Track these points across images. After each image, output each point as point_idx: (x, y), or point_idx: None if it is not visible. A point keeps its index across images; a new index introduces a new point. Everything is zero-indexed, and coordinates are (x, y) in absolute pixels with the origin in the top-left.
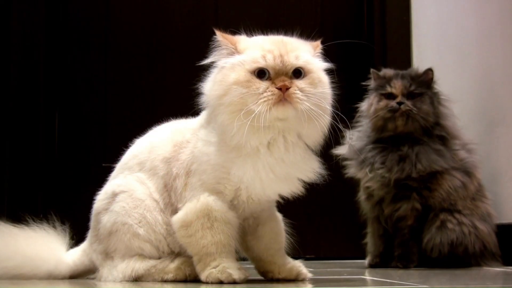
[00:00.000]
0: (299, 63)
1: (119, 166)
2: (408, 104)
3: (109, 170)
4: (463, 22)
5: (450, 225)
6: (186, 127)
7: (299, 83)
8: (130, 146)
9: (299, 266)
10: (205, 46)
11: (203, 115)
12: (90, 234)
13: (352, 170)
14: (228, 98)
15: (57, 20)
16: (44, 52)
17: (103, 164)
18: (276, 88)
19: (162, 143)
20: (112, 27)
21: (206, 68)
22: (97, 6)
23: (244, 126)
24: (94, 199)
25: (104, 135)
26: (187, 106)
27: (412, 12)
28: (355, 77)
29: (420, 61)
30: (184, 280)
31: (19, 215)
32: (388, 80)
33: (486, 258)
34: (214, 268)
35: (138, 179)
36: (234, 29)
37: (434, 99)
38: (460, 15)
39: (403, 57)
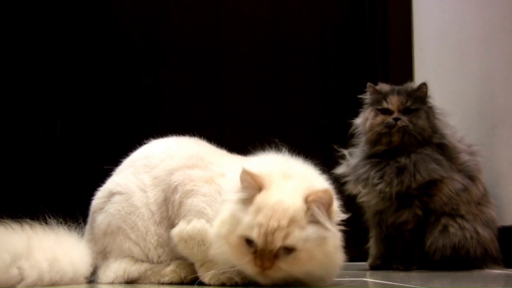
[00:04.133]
0: (285, 243)
1: (125, 162)
2: (405, 119)
3: (110, 172)
4: (464, 25)
5: (452, 230)
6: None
7: (282, 263)
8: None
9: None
10: (206, 47)
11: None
12: (86, 232)
13: (349, 187)
14: (217, 248)
15: (57, 23)
16: (45, 55)
17: (105, 166)
18: (256, 265)
19: (179, 157)
20: (112, 30)
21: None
22: (98, 9)
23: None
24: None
25: (105, 137)
26: (188, 107)
27: (413, 14)
28: (355, 87)
29: (421, 64)
30: (180, 283)
31: (20, 217)
32: (384, 96)
33: (488, 262)
34: (218, 270)
35: (140, 184)
36: (235, 30)
37: (430, 113)
38: (462, 18)
39: (404, 59)
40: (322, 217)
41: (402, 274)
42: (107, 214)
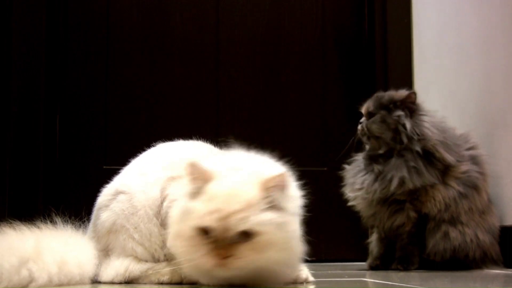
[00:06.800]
0: (244, 227)
1: (133, 163)
2: (364, 124)
3: (110, 173)
4: (464, 25)
5: (453, 235)
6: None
7: (242, 249)
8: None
9: (299, 270)
10: (206, 47)
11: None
12: (89, 229)
13: (345, 190)
14: (176, 246)
15: (57, 23)
16: (45, 54)
17: (104, 167)
18: (215, 254)
19: (179, 166)
20: (112, 30)
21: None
22: (98, 9)
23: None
24: (95, 201)
25: (105, 138)
26: (188, 108)
27: (413, 14)
28: (355, 87)
29: (421, 64)
30: (180, 283)
31: (20, 217)
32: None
33: (487, 264)
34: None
35: (143, 185)
36: (234, 35)
37: (388, 118)
38: (461, 19)
39: (403, 60)
40: (282, 202)
41: (401, 274)
42: (112, 212)
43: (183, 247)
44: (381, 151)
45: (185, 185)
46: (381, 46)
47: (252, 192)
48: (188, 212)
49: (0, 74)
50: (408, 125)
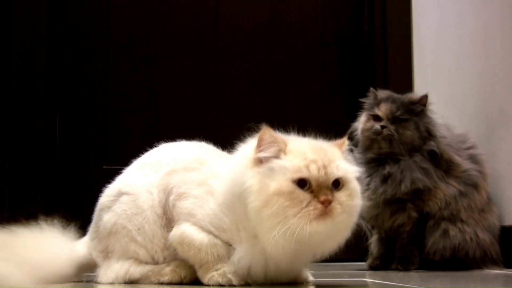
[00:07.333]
0: (339, 174)
1: (135, 163)
2: (391, 128)
3: (110, 172)
4: (464, 24)
5: (452, 233)
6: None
7: (339, 195)
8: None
9: (299, 269)
10: (206, 47)
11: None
12: (91, 229)
13: None
14: (269, 210)
15: (57, 22)
16: (45, 54)
17: (104, 166)
18: (319, 202)
19: (182, 160)
20: (112, 30)
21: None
22: (98, 9)
23: (276, 238)
24: (97, 200)
25: (105, 138)
26: (188, 108)
27: (412, 14)
28: (356, 88)
29: (420, 64)
30: (180, 283)
31: (20, 217)
32: (378, 102)
33: (487, 263)
34: (216, 271)
35: (148, 185)
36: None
37: (420, 124)
38: (461, 19)
39: (403, 59)
40: (351, 161)
41: (401, 274)
42: (114, 214)
43: (284, 202)
44: (402, 157)
45: (257, 153)
46: (381, 46)
47: (333, 148)
48: (281, 170)
49: (0, 74)
50: (435, 131)
